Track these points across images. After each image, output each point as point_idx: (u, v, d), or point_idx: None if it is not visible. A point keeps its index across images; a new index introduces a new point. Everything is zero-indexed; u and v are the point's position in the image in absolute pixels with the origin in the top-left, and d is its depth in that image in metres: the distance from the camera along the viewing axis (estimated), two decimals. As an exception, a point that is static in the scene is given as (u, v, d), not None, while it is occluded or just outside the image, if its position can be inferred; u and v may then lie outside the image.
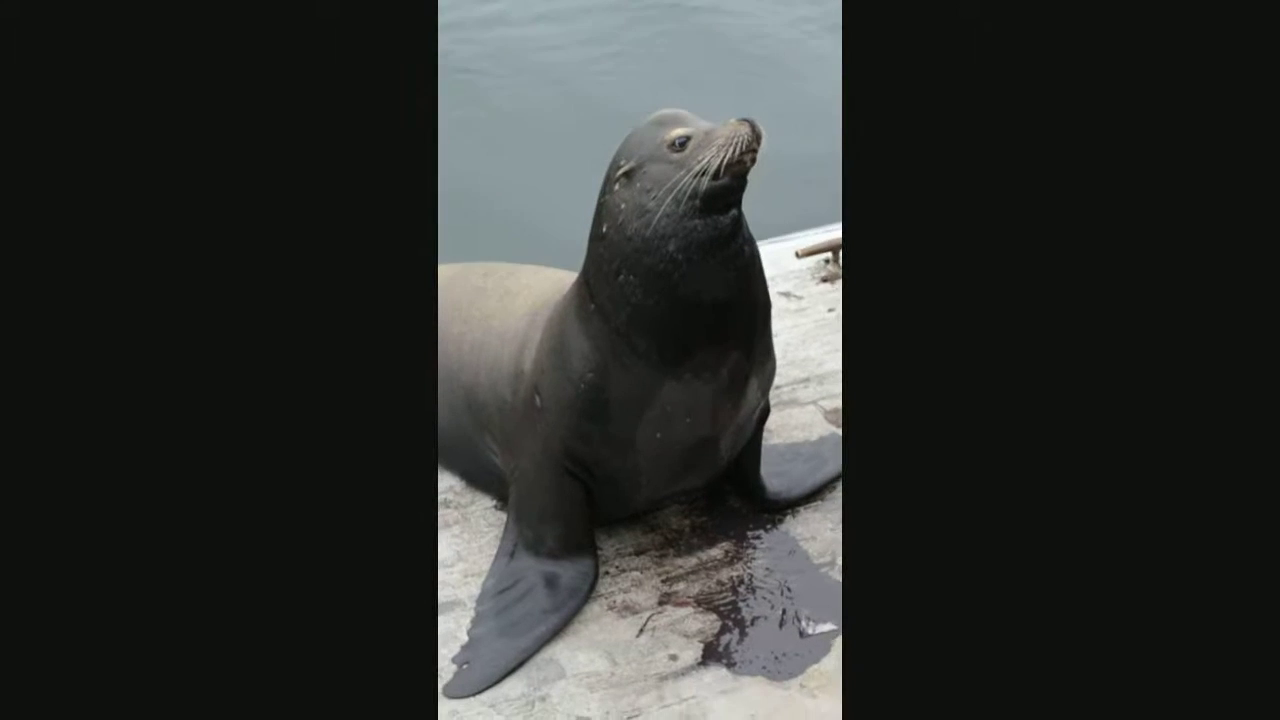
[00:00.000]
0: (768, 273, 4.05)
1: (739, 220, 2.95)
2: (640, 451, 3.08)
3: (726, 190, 2.90)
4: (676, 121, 2.97)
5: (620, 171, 2.96)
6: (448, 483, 3.50)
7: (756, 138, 2.87)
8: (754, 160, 2.90)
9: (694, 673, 2.99)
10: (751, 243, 3.00)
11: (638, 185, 2.93)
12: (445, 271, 3.64)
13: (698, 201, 2.88)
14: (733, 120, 2.90)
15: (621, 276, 2.95)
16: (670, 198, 2.89)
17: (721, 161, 2.85)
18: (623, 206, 2.95)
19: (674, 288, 2.92)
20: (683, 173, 2.88)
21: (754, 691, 2.95)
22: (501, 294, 3.42)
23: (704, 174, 2.86)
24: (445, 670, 2.99)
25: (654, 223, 2.91)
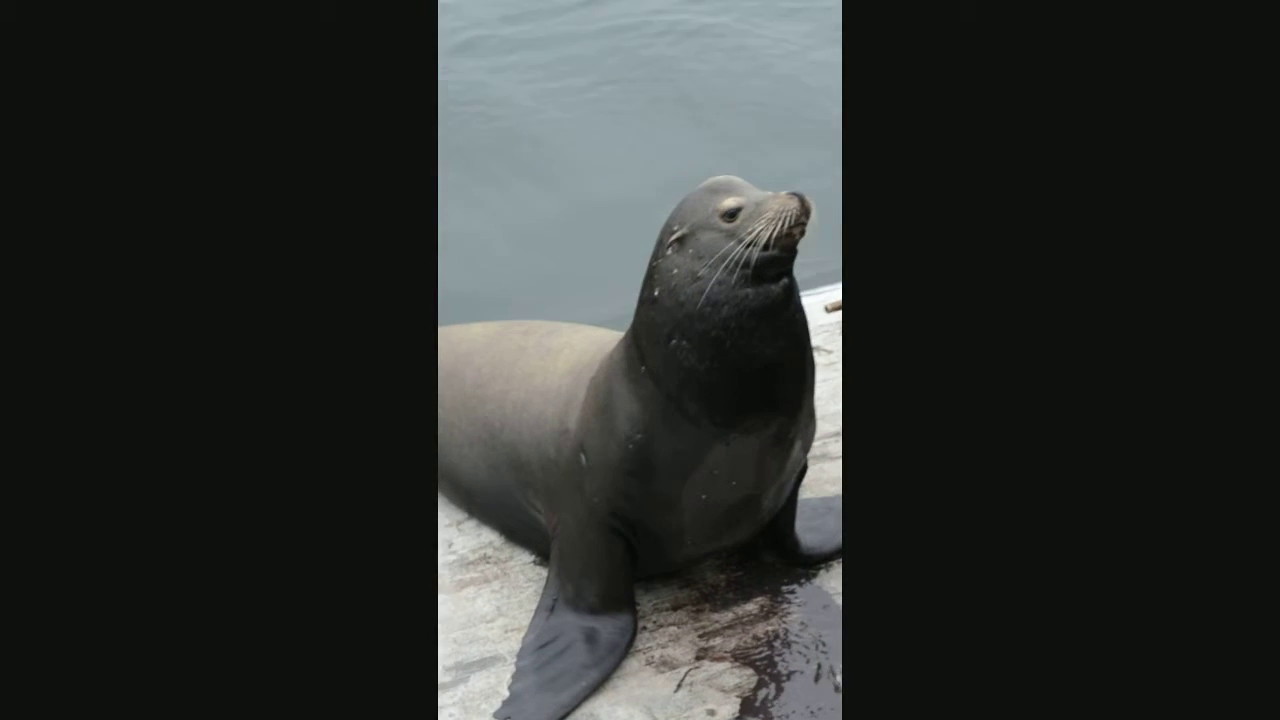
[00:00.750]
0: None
1: (790, 288, 3.02)
2: (685, 511, 3.14)
3: (776, 261, 2.97)
4: (729, 189, 3.05)
5: (673, 237, 3.03)
6: (487, 538, 3.57)
7: (805, 211, 2.94)
8: (803, 233, 2.96)
9: (732, 727, 3.06)
10: (802, 309, 3.07)
11: (690, 251, 3.01)
12: (485, 330, 3.72)
13: (749, 270, 2.95)
14: (783, 194, 2.97)
15: (674, 341, 3.01)
16: (723, 267, 2.96)
17: (771, 234, 2.92)
18: (675, 272, 3.02)
19: (726, 353, 2.99)
20: (733, 243, 2.95)
21: (791, 746, 3.01)
22: (543, 353, 3.49)
23: (754, 245, 2.93)
24: (489, 725, 3.06)
25: (706, 290, 2.97)
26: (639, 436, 3.08)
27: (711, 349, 2.99)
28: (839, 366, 4.09)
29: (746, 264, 2.95)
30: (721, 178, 3.10)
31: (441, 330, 3.82)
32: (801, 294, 4.35)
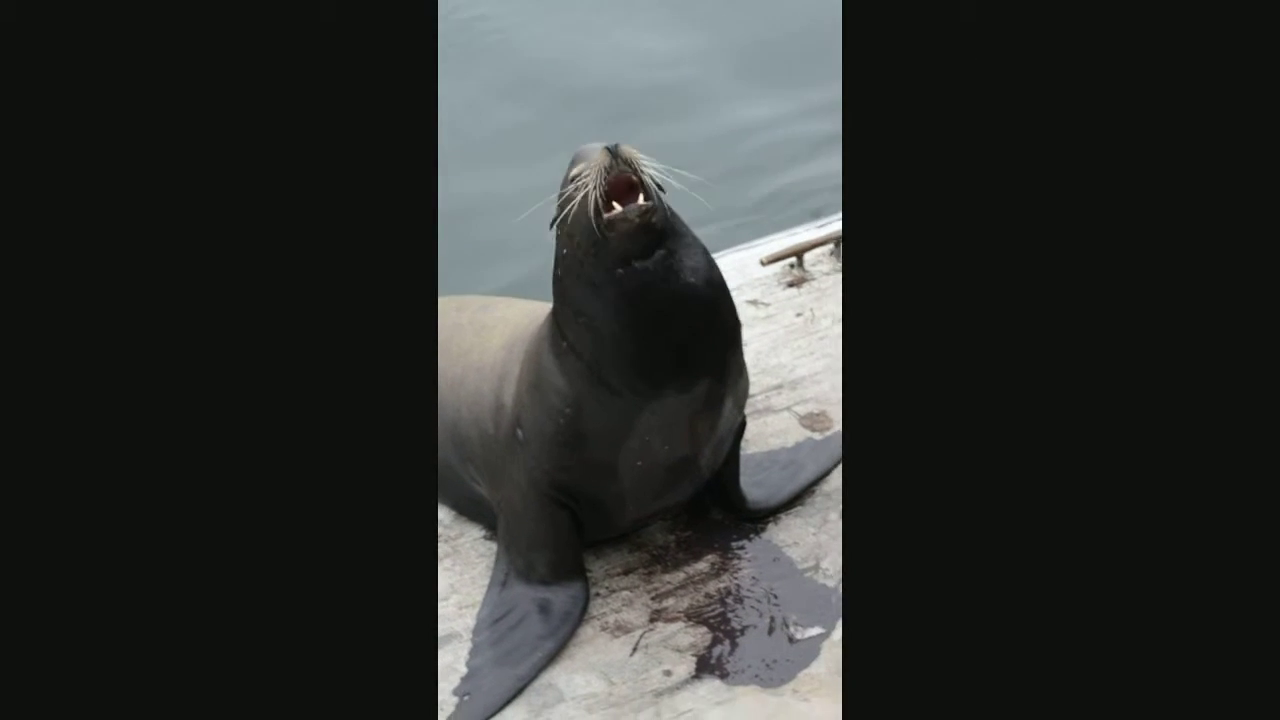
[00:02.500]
0: (734, 282, 4.15)
1: (667, 261, 2.94)
2: (623, 477, 3.16)
3: (627, 244, 2.91)
4: (582, 156, 2.98)
5: (557, 209, 3.00)
6: (438, 516, 3.58)
7: (615, 162, 2.84)
8: (641, 215, 2.86)
9: (689, 686, 3.08)
10: (701, 271, 2.99)
11: (566, 229, 2.99)
12: (419, 309, 3.72)
13: (605, 254, 2.91)
14: (599, 148, 2.89)
15: (580, 319, 3.02)
16: (583, 249, 2.94)
17: (596, 195, 2.85)
18: (564, 251, 3.02)
19: (627, 328, 2.98)
20: (583, 216, 2.90)
21: (748, 700, 3.04)
22: (478, 328, 3.49)
23: (578, 215, 2.87)
24: (447, 703, 3.08)
25: (583, 273, 2.97)
26: (568, 410, 3.09)
27: (612, 326, 2.98)
28: (778, 319, 4.10)
29: (597, 248, 2.91)
30: (589, 144, 3.00)
31: (376, 311, 3.82)
32: (737, 248, 4.43)
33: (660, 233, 2.94)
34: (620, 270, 2.94)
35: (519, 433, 3.20)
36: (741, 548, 3.41)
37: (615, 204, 2.90)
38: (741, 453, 3.47)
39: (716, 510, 3.49)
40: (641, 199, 2.90)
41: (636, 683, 3.09)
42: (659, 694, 3.07)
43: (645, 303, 2.96)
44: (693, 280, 2.99)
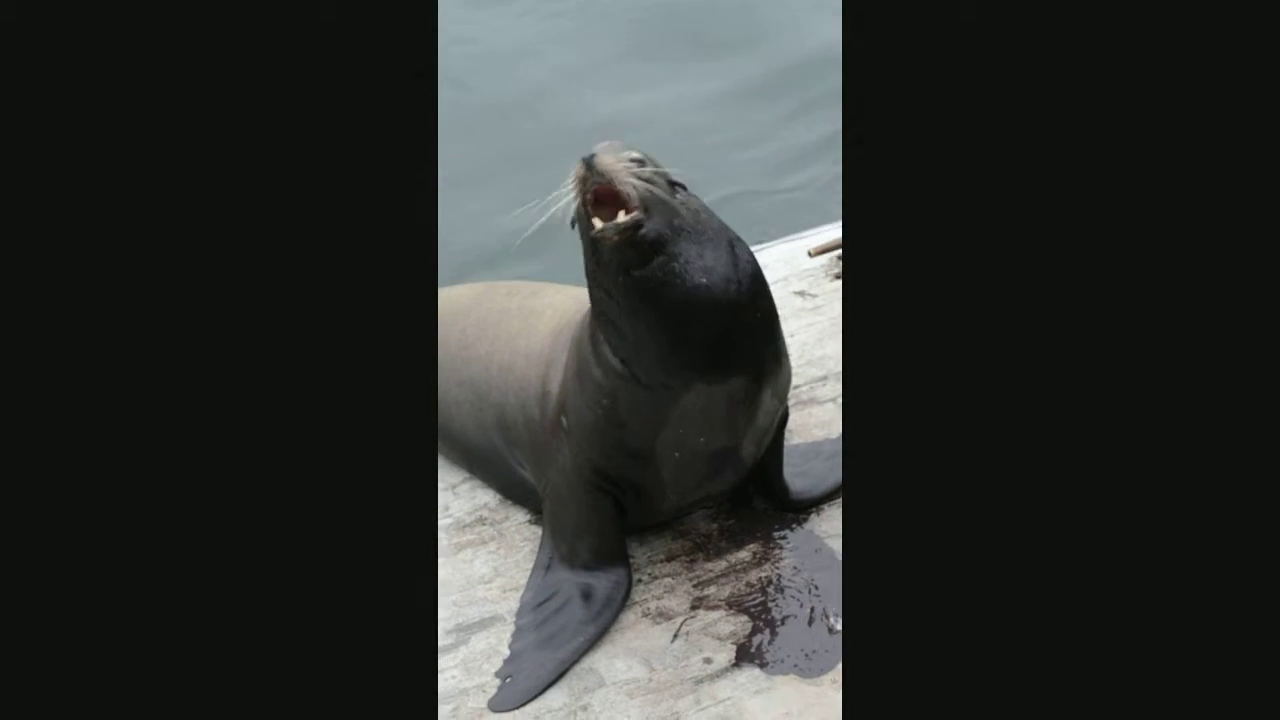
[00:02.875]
0: (780, 272, 4.19)
1: (669, 265, 2.90)
2: (661, 466, 3.19)
3: (618, 256, 2.89)
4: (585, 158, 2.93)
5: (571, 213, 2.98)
6: (483, 499, 3.62)
7: (590, 173, 2.82)
8: (619, 232, 2.83)
9: (728, 674, 3.10)
10: (718, 270, 2.95)
11: (581, 234, 3.01)
12: (469, 291, 3.76)
13: (606, 264, 2.91)
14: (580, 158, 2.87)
15: (603, 318, 3.05)
16: (589, 257, 2.97)
17: (577, 205, 2.86)
18: (584, 255, 3.04)
19: (645, 330, 2.98)
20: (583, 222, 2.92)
21: (787, 690, 3.06)
22: (526, 314, 3.52)
23: (595, 236, 2.87)
24: (489, 685, 3.11)
25: (596, 278, 2.99)
26: (605, 400, 3.12)
27: (630, 327, 2.99)
28: (825, 310, 4.11)
29: (596, 253, 2.92)
30: (602, 143, 2.96)
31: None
32: (787, 239, 4.44)
33: (653, 243, 2.89)
34: (622, 278, 2.93)
35: (564, 420, 3.23)
36: (784, 538, 3.43)
37: (595, 220, 2.87)
38: (785, 443, 3.49)
39: (759, 500, 3.51)
40: (622, 214, 2.87)
41: (677, 669, 3.12)
42: (699, 681, 3.09)
43: (653, 308, 2.94)
44: (703, 281, 2.94)
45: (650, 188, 2.89)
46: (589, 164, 2.84)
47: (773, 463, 3.45)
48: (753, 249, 3.93)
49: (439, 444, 3.71)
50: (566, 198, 2.87)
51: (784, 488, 3.48)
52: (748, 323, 3.04)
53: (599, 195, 2.88)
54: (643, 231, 2.87)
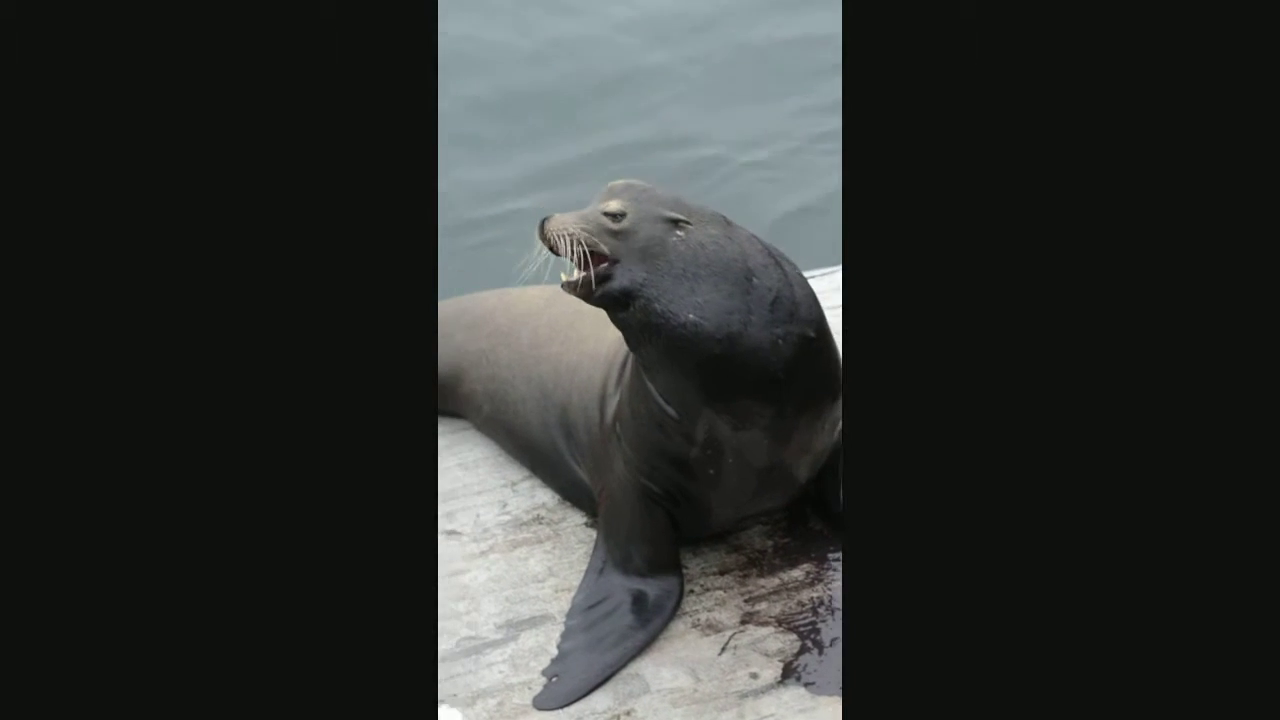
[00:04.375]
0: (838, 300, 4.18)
1: (647, 309, 2.98)
2: (702, 483, 3.21)
3: (596, 304, 3.04)
4: (610, 193, 3.09)
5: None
6: (541, 499, 3.65)
7: (541, 239, 2.99)
8: (569, 289, 3.01)
9: (773, 691, 3.11)
10: (709, 307, 2.97)
11: None
12: (544, 293, 3.79)
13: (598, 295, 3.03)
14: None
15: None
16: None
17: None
18: None
19: (652, 363, 3.09)
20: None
21: (829, 711, 3.06)
22: (597, 318, 3.52)
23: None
24: (535, 683, 3.14)
25: None
26: (643, 413, 3.18)
27: (643, 357, 3.11)
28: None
29: (588, 290, 3.03)
30: (618, 182, 3.12)
31: (499, 292, 3.90)
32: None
33: (622, 292, 2.99)
34: (619, 317, 3.06)
35: (617, 425, 3.26)
36: (838, 559, 3.43)
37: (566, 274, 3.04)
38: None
39: (816, 520, 3.52)
40: (576, 273, 3.00)
41: (722, 682, 3.13)
42: (743, 696, 3.10)
43: (649, 346, 3.04)
44: (691, 318, 2.98)
45: (614, 241, 2.99)
46: (540, 228, 3.00)
47: (829, 484, 3.45)
48: (823, 271, 3.93)
49: (502, 439, 3.75)
50: (541, 255, 3.03)
51: (841, 509, 3.48)
52: (762, 355, 3.01)
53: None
54: (605, 288, 3.00)
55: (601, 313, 3.54)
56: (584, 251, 2.97)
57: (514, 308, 3.78)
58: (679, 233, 3.01)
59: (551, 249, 3.00)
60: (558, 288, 3.80)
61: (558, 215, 3.00)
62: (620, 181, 3.10)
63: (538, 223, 3.00)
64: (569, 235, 2.97)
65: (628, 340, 3.10)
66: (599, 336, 3.49)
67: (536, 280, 3.07)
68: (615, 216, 3.00)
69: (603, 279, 2.99)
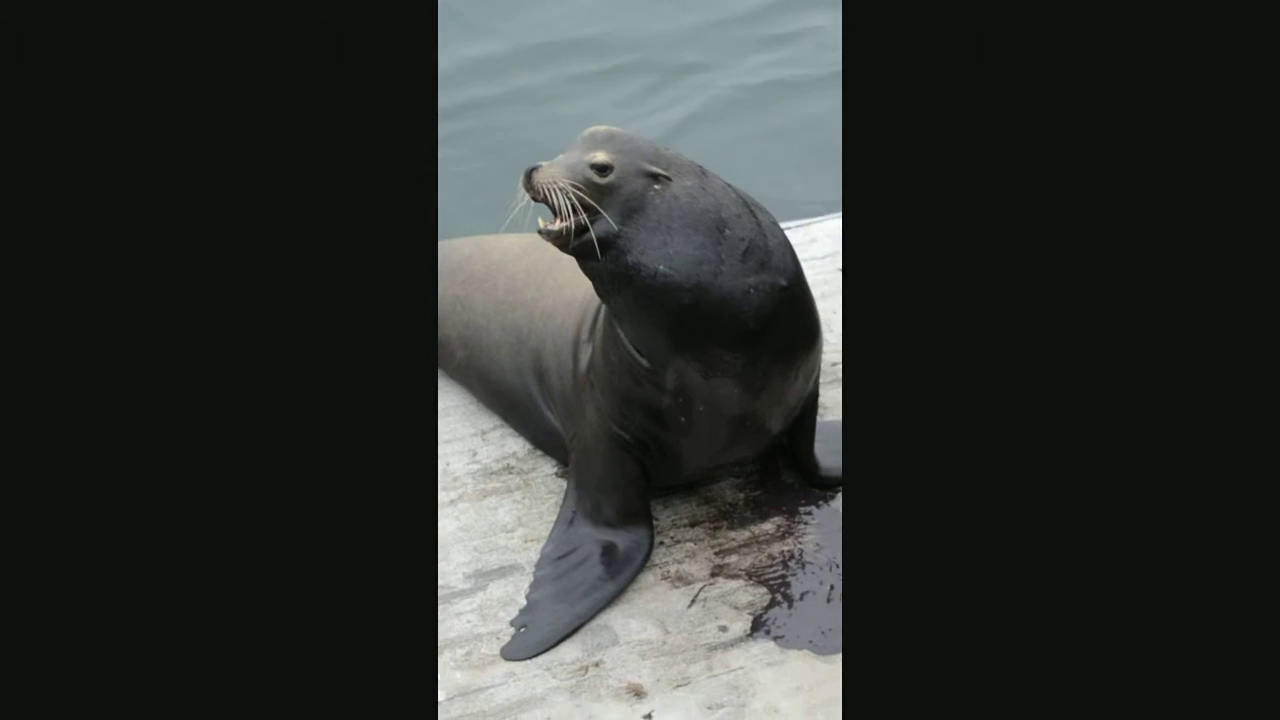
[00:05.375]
0: (828, 248, 4.17)
1: (619, 260, 2.99)
2: (673, 430, 3.19)
3: (572, 252, 3.04)
4: (582, 142, 3.08)
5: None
6: (511, 448, 3.62)
7: (528, 189, 2.98)
8: (546, 236, 3.00)
9: (742, 644, 3.10)
10: (680, 257, 2.97)
11: None
12: (521, 241, 3.76)
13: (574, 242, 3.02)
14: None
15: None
16: None
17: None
18: None
19: (621, 311, 3.09)
20: None
21: (800, 664, 3.06)
22: (575, 265, 3.51)
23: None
24: (503, 633, 3.12)
25: None
26: (615, 361, 3.16)
27: (613, 304, 3.11)
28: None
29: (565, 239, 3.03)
30: (595, 128, 3.11)
31: (475, 239, 3.86)
32: (836, 215, 4.40)
33: (597, 241, 2.97)
34: (593, 265, 3.04)
35: (591, 374, 3.24)
36: (809, 513, 3.42)
37: (540, 220, 3.03)
38: (819, 420, 3.48)
39: (789, 474, 3.50)
40: (557, 221, 2.99)
41: (691, 634, 3.12)
42: (712, 648, 3.09)
43: (618, 295, 3.04)
44: (662, 268, 2.98)
45: (589, 200, 2.97)
46: (527, 178, 2.98)
47: (803, 438, 3.44)
48: (800, 223, 3.90)
49: (475, 386, 3.72)
50: (521, 204, 3.00)
51: (814, 464, 3.47)
52: (733, 304, 3.01)
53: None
54: (584, 237, 2.98)
55: (577, 259, 3.53)
56: (571, 205, 2.96)
57: (490, 254, 3.75)
58: (656, 186, 3.00)
59: (539, 200, 2.98)
60: (535, 235, 3.79)
61: (545, 165, 2.98)
62: (602, 128, 3.08)
63: (524, 171, 2.98)
64: (559, 188, 2.95)
65: (597, 290, 3.09)
66: (575, 282, 3.45)
67: (518, 224, 3.04)
68: (602, 170, 2.98)
69: (580, 230, 2.97)
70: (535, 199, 2.98)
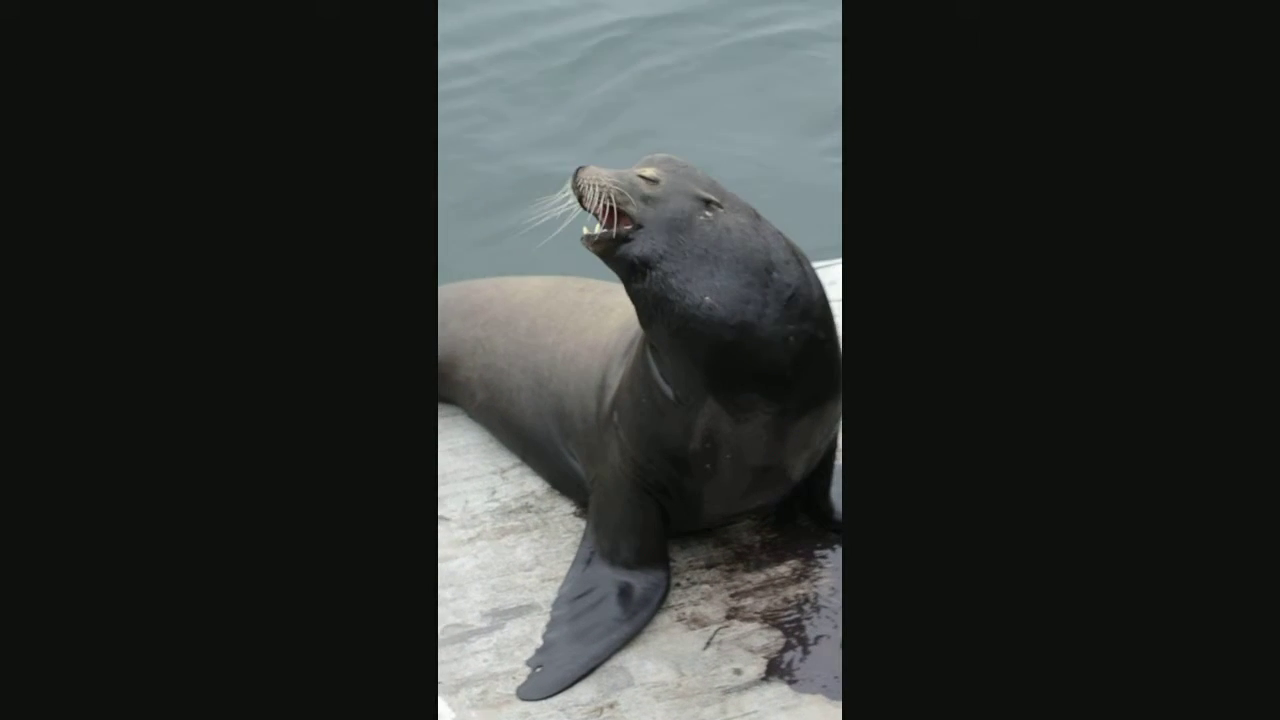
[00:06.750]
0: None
1: (663, 283, 3.00)
2: (697, 477, 3.21)
3: (611, 265, 3.06)
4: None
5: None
6: (530, 487, 3.65)
7: (574, 186, 2.98)
8: (590, 242, 3.02)
9: (757, 688, 3.12)
10: (725, 292, 2.99)
11: None
12: (542, 283, 3.79)
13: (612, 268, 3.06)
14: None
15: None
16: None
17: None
18: None
19: (662, 343, 3.08)
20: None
21: (813, 710, 3.07)
22: (598, 309, 3.56)
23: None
24: (519, 673, 3.14)
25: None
26: (644, 401, 3.18)
27: (653, 336, 3.10)
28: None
29: (607, 247, 3.03)
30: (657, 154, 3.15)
31: (496, 281, 3.90)
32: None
33: (639, 259, 3.00)
34: (628, 290, 3.06)
35: (615, 415, 3.26)
36: (825, 557, 3.43)
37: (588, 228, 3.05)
38: (837, 463, 3.49)
39: (804, 517, 3.52)
40: (598, 227, 3.01)
41: (706, 677, 3.14)
42: (727, 691, 3.11)
43: (659, 323, 3.05)
44: (706, 300, 3.00)
45: (643, 205, 3.00)
46: (575, 176, 2.99)
47: (820, 482, 3.45)
48: (826, 264, 3.92)
49: (495, 427, 3.75)
50: (565, 204, 3.01)
51: (830, 508, 3.48)
52: (773, 350, 3.03)
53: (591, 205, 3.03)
54: (624, 249, 3.00)
55: (601, 304, 3.56)
56: (610, 205, 2.97)
57: (512, 298, 3.78)
58: (707, 213, 3.03)
59: (580, 197, 3.00)
60: (558, 279, 3.83)
61: (593, 166, 3.01)
62: (660, 154, 3.13)
63: (572, 170, 3.01)
64: (599, 186, 2.97)
65: (639, 314, 3.09)
66: (599, 327, 3.49)
67: (548, 231, 3.05)
68: (649, 181, 3.02)
69: (624, 239, 3.00)
70: (578, 197, 3.00)
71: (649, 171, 3.04)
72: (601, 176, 2.99)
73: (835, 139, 6.92)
